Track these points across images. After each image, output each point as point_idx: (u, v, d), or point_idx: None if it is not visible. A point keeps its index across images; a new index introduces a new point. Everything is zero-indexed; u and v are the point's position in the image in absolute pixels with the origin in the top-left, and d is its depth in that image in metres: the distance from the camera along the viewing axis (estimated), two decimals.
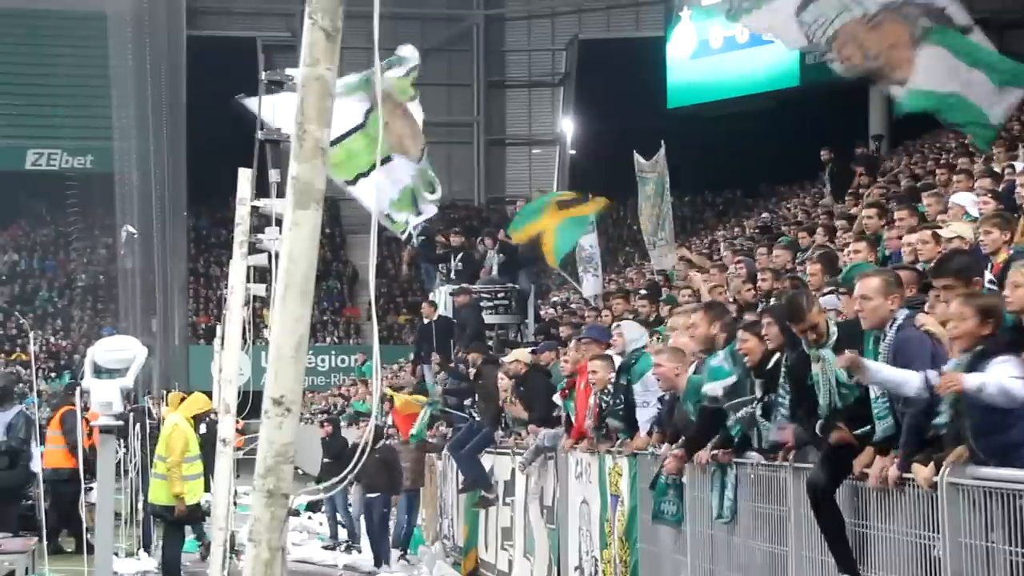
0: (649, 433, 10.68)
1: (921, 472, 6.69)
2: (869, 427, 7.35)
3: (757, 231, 25.12)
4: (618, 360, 11.46)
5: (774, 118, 38.79)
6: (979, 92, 8.35)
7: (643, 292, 16.93)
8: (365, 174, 9.17)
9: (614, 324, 13.39)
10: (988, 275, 8.27)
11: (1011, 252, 9.02)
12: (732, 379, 8.86)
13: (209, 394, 16.37)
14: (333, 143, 7.42)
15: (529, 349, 15.88)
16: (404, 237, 13.57)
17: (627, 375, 11.10)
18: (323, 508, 21.38)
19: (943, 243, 9.81)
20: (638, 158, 20.32)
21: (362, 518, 18.70)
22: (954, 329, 6.49)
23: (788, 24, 8.53)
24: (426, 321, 22.11)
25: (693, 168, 37.15)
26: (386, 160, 9.53)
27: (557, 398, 13.40)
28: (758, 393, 8.55)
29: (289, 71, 8.24)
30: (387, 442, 18.23)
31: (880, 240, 12.07)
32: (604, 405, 11.40)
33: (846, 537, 7.51)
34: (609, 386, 11.31)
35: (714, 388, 9.02)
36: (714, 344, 9.28)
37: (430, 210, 10.02)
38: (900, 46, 8.18)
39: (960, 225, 9.87)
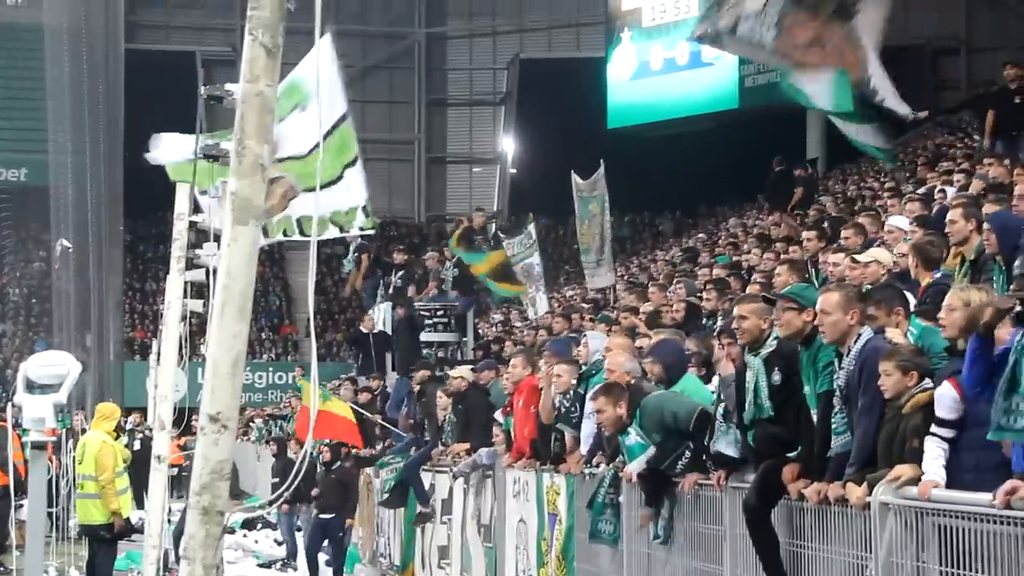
0: (591, 451, 10.72)
1: (854, 492, 6.75)
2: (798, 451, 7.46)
3: (682, 255, 25.30)
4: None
5: (713, 140, 39.07)
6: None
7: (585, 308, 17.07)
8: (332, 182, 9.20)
9: (581, 334, 13.44)
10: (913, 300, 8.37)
11: (936, 276, 9.15)
12: (651, 451, 8.93)
13: (144, 410, 16.23)
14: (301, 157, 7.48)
15: (469, 367, 15.89)
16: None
17: (585, 385, 11.13)
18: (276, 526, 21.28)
19: (860, 267, 9.94)
20: (576, 178, 20.41)
21: (301, 538, 18.59)
22: (944, 320, 6.51)
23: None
24: (364, 331, 22.13)
25: (633, 188, 37.32)
26: (352, 163, 9.57)
27: (499, 415, 13.40)
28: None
29: (229, 86, 8.18)
30: (344, 463, 18.11)
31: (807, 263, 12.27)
32: (562, 409, 11.44)
33: (780, 557, 7.57)
34: (571, 392, 11.36)
35: (639, 465, 9.07)
36: (622, 423, 9.24)
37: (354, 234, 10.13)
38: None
39: (877, 250, 9.99)
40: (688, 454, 8.77)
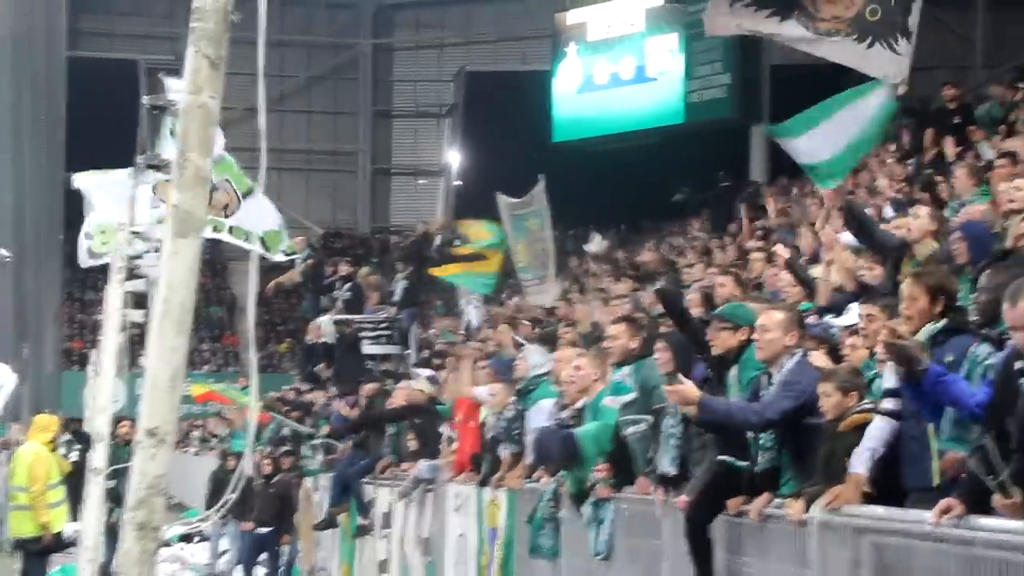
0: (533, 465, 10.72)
1: (792, 508, 6.80)
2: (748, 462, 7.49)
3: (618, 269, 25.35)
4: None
5: (658, 155, 39.18)
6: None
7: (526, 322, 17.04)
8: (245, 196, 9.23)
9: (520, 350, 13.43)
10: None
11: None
12: (631, 396, 8.94)
13: (80, 421, 16.03)
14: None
15: (427, 375, 15.86)
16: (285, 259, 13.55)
17: (523, 401, 11.13)
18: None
19: (818, 283, 10.02)
20: (505, 199, 20.17)
21: (234, 551, 18.45)
22: (906, 310, 6.49)
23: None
24: (309, 341, 22.09)
25: (578, 202, 37.36)
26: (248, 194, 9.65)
27: (445, 428, 13.40)
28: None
29: (172, 95, 8.14)
30: (285, 476, 17.98)
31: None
32: (500, 428, 11.43)
33: (712, 569, 7.61)
34: (507, 410, 11.35)
35: (615, 401, 9.13)
36: (627, 358, 9.22)
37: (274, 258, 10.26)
38: None
39: (818, 268, 10.10)
40: (646, 427, 8.77)
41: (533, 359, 11.88)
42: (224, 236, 9.66)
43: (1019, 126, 16.34)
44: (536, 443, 10.10)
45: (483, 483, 11.82)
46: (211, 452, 23.44)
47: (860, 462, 6.39)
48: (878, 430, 6.40)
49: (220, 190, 9.93)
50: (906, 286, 6.53)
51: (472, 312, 20.95)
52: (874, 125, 10.26)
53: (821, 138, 10.02)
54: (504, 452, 11.49)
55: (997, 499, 5.36)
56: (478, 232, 20.76)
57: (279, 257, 10.31)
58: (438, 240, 27.51)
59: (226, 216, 9.45)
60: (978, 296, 6.69)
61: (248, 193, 10.18)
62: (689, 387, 7.18)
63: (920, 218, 9.00)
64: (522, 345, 13.48)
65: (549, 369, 11.41)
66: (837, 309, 9.23)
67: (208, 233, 9.47)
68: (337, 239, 46.42)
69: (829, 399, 6.84)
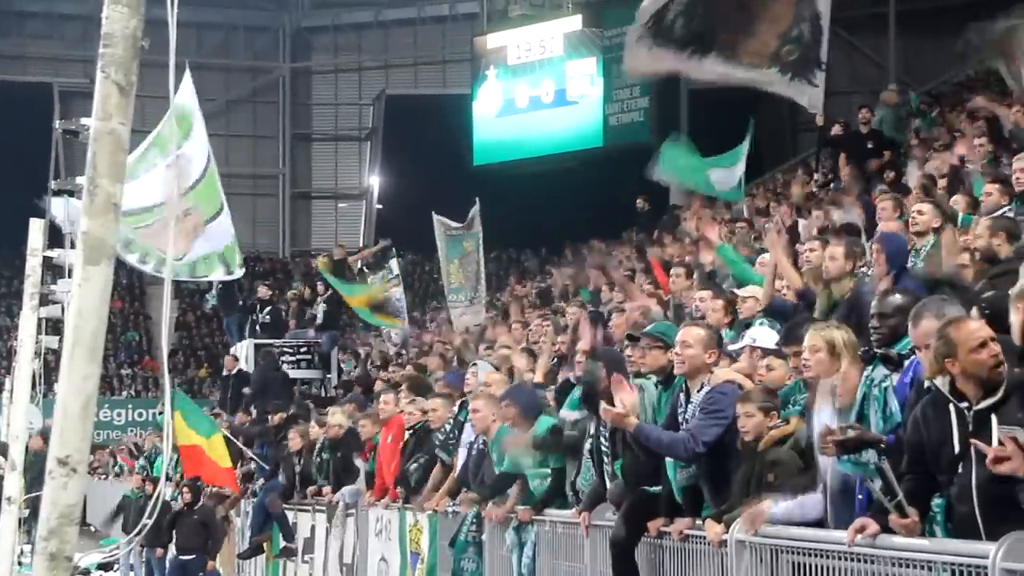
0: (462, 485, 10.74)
1: (712, 529, 6.85)
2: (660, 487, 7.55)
3: (534, 294, 25.45)
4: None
5: (578, 178, 39.40)
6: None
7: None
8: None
9: (470, 364, 13.46)
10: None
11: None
12: (577, 414, 9.04)
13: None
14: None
15: (353, 405, 15.77)
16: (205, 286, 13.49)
17: (464, 413, 11.14)
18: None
19: (739, 302, 10.10)
20: (443, 219, 20.28)
21: None
22: (807, 361, 6.49)
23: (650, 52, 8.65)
24: (225, 373, 21.87)
25: (499, 225, 37.45)
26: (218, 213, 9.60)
27: (359, 461, 13.40)
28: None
29: (85, 120, 8.06)
30: (207, 503, 17.77)
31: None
32: (438, 441, 11.44)
33: None
34: (447, 424, 11.38)
35: (568, 414, 9.20)
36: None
37: (233, 275, 10.18)
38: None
39: (754, 288, 10.17)
40: (588, 442, 8.82)
41: (484, 374, 11.93)
42: (187, 277, 9.62)
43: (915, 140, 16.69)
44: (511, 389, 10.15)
45: (406, 501, 11.83)
46: (131, 478, 23.11)
47: (779, 510, 6.40)
48: (813, 508, 6.37)
49: (192, 214, 9.90)
50: (810, 337, 6.52)
51: (398, 332, 20.95)
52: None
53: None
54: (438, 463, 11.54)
55: (894, 519, 5.43)
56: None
57: (239, 272, 10.23)
58: (358, 265, 27.44)
59: (189, 246, 9.40)
60: (873, 318, 6.74)
61: (215, 216, 10.14)
62: (626, 412, 7.24)
63: (836, 260, 9.09)
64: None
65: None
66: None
67: (181, 276, 9.44)
68: (258, 263, 46.14)
69: (752, 419, 6.88)
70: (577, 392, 9.36)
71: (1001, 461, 5.02)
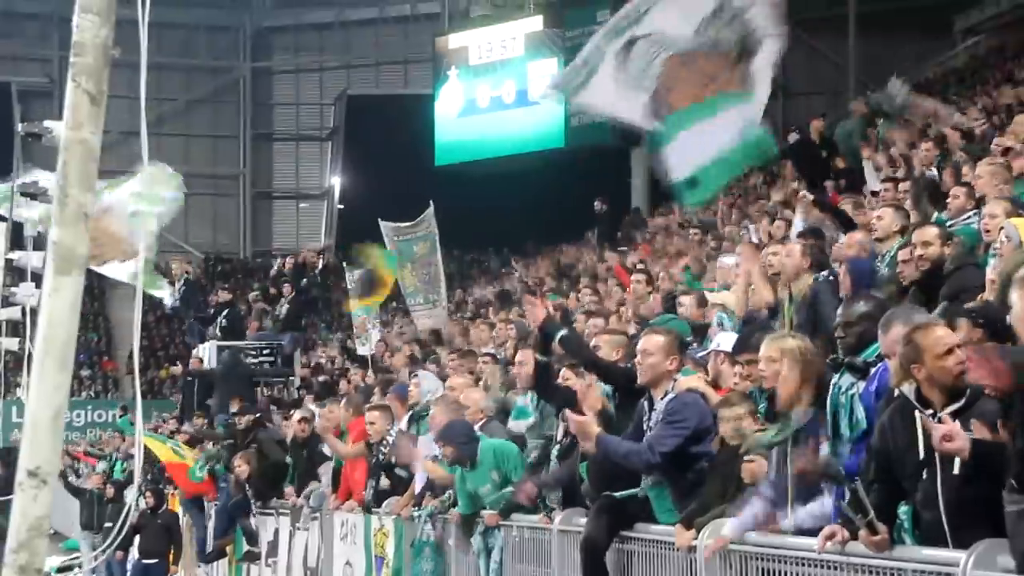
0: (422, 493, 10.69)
1: (681, 536, 6.86)
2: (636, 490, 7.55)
3: (495, 295, 25.50)
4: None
5: (540, 178, 39.45)
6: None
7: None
8: None
9: (412, 374, 13.39)
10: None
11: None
12: (532, 420, 9.05)
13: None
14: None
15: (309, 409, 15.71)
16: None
17: (416, 426, 11.08)
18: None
19: (709, 307, 10.14)
20: (391, 224, 20.06)
21: None
22: (763, 371, 6.51)
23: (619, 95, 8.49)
24: (189, 378, 21.75)
25: (460, 226, 37.44)
26: None
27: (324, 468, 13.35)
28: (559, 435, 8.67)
29: (48, 123, 7.96)
30: (170, 508, 17.69)
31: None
32: (380, 456, 11.38)
33: None
34: (389, 437, 11.29)
35: (517, 426, 9.21)
36: (531, 384, 9.28)
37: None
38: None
39: (724, 294, 10.21)
40: (551, 447, 8.85)
41: (427, 384, 11.89)
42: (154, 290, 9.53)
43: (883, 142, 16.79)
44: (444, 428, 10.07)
45: (367, 510, 11.76)
46: (91, 480, 22.95)
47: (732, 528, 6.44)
48: (763, 512, 6.38)
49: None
50: (765, 347, 6.53)
51: (375, 335, 20.85)
52: (747, 137, 10.09)
53: (695, 140, 9.81)
54: (384, 481, 11.46)
55: (864, 535, 5.44)
56: (371, 254, 20.51)
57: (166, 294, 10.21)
58: (320, 264, 27.31)
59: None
60: (838, 327, 6.77)
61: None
62: (590, 421, 7.27)
63: (792, 256, 9.13)
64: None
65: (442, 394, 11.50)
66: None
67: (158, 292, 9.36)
68: (218, 263, 45.90)
69: (741, 422, 6.89)
70: (522, 401, 9.37)
71: (949, 439, 5.07)
